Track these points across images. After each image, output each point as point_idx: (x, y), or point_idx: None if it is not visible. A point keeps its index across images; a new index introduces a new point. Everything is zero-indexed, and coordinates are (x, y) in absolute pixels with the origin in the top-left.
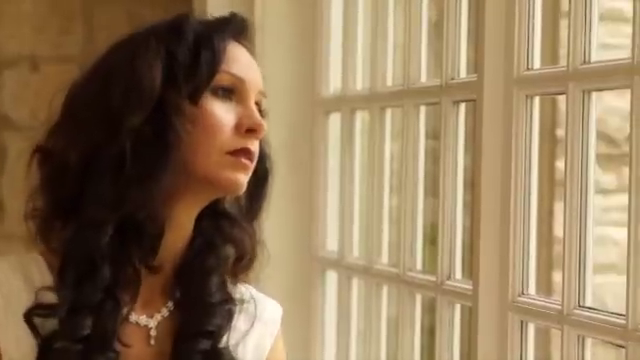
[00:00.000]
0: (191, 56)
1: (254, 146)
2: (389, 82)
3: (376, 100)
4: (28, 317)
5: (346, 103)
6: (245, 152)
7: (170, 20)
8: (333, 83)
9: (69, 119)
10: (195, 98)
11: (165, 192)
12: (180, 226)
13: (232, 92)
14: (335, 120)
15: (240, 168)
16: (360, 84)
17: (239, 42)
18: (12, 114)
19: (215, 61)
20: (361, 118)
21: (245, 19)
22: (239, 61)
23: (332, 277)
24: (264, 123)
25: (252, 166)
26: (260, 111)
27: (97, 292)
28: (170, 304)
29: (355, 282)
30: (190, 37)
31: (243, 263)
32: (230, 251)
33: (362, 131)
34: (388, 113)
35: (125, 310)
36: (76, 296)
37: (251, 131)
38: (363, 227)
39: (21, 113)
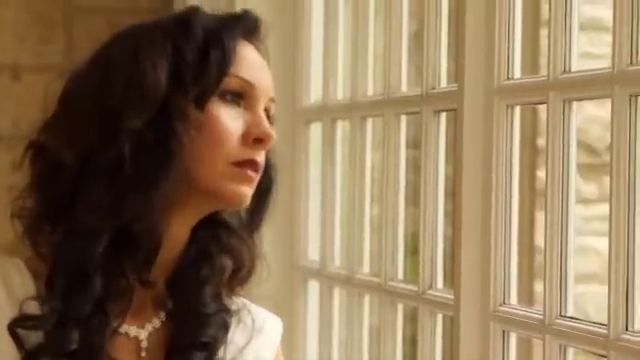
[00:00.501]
0: (199, 55)
1: (261, 157)
2: (370, 92)
3: (357, 110)
4: (12, 329)
5: (327, 113)
6: (251, 164)
7: (178, 14)
8: (314, 93)
9: (65, 113)
10: (202, 102)
11: (164, 203)
12: (176, 237)
13: (241, 97)
14: (316, 130)
15: (245, 181)
16: (341, 94)
17: (250, 42)
18: None
19: (225, 62)
20: (342, 128)
21: (257, 17)
22: (250, 64)
23: (314, 286)
24: (273, 133)
25: (257, 178)
26: (268, 117)
27: (86, 305)
28: (162, 314)
29: (337, 291)
30: (199, 34)
31: (240, 276)
32: (226, 262)
33: (343, 140)
34: (369, 122)
35: (115, 323)
36: (64, 308)
37: (259, 141)
38: (344, 237)
39: (3, 122)
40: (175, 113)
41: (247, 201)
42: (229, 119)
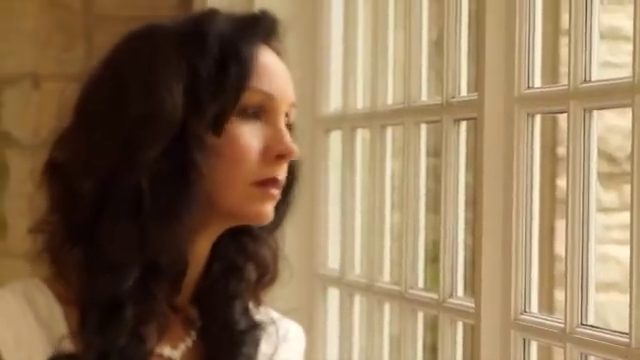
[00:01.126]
0: (217, 68)
1: (283, 173)
2: (390, 100)
3: (377, 118)
4: None
5: (347, 121)
6: (273, 182)
7: (193, 20)
8: (334, 101)
9: (82, 129)
10: (220, 123)
11: (188, 230)
12: (199, 255)
13: (261, 110)
14: (336, 138)
15: (268, 199)
16: (361, 102)
17: (268, 45)
18: (14, 132)
19: (244, 77)
20: (362, 136)
21: (275, 18)
22: (270, 72)
23: (334, 294)
24: (296, 148)
25: (279, 194)
26: (289, 124)
27: (122, 336)
28: (193, 333)
29: (357, 300)
30: (215, 46)
31: (265, 281)
32: (252, 271)
33: (363, 149)
34: (389, 131)
35: (150, 346)
36: (101, 343)
37: (281, 157)
38: (364, 245)
39: (23, 131)
40: (193, 142)
41: (271, 218)
42: (249, 136)
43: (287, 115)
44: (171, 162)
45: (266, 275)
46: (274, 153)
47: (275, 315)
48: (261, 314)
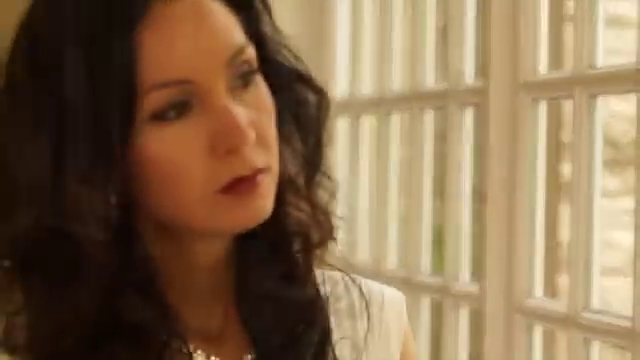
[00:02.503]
0: (87, 93)
1: (252, 160)
2: (396, 87)
3: (383, 104)
4: None
5: (353, 107)
6: (243, 180)
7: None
8: (340, 87)
9: None
10: (119, 149)
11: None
12: (211, 255)
13: (184, 103)
14: (342, 124)
15: (248, 198)
16: (367, 89)
17: None
18: None
19: (133, 89)
20: (368, 122)
21: None
22: (176, 44)
23: None
24: (248, 131)
25: (268, 178)
26: (248, 74)
27: None
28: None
29: None
30: (76, 60)
31: (314, 246)
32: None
33: (369, 135)
34: (395, 117)
35: None
36: None
37: (234, 149)
38: (370, 230)
39: None
40: (74, 211)
41: (266, 211)
42: (176, 144)
43: (237, 66)
44: (52, 235)
45: (311, 241)
46: (223, 148)
47: (365, 286)
48: (340, 289)
